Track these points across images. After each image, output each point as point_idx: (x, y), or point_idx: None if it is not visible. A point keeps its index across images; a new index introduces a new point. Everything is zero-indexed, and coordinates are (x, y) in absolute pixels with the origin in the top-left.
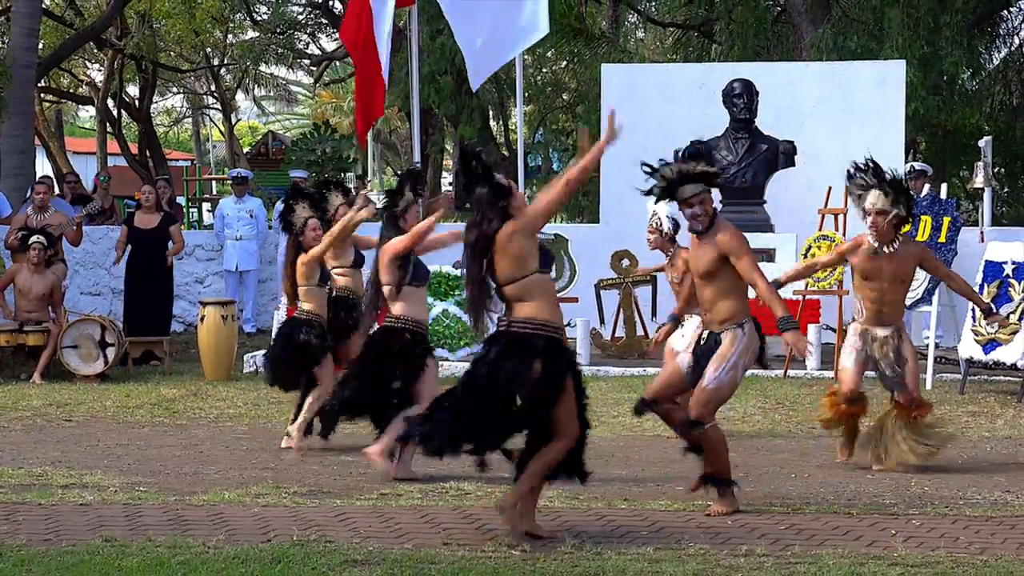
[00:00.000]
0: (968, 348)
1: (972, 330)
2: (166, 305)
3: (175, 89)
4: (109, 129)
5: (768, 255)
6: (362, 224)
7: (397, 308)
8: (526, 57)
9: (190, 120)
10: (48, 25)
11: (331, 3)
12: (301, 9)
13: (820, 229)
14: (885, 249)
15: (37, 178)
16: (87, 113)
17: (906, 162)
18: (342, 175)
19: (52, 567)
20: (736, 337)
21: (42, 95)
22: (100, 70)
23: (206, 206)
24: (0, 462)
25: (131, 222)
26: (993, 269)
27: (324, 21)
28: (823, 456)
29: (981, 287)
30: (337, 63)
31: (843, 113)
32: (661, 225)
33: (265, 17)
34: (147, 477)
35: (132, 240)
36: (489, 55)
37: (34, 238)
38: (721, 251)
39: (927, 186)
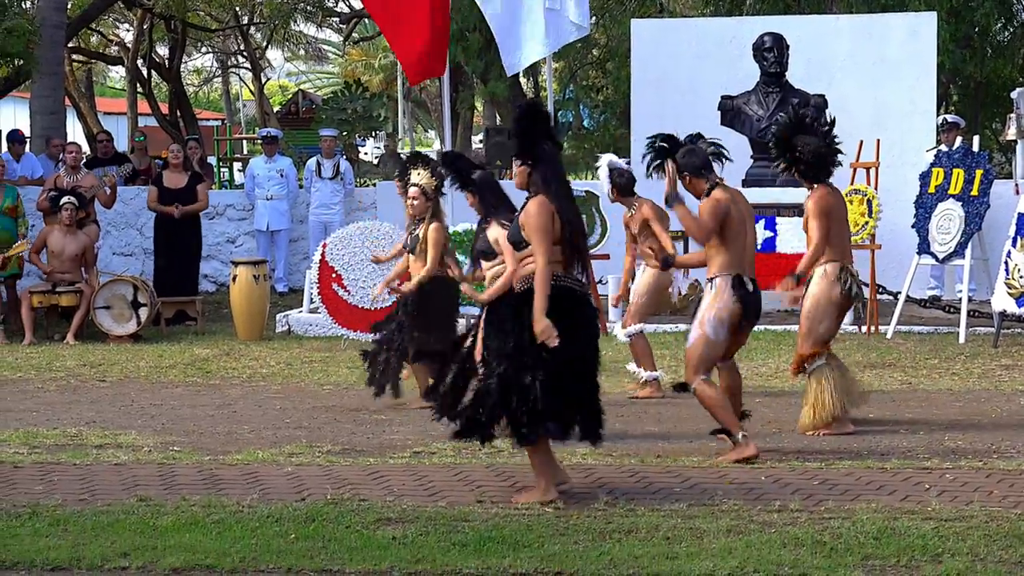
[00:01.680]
0: (1001, 301)
1: (1005, 283)
2: (194, 265)
3: (205, 48)
4: (139, 89)
5: (799, 210)
6: None
7: None
8: None
9: (220, 79)
10: None
11: None
12: None
13: (852, 183)
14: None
15: (68, 140)
16: (117, 73)
17: (938, 115)
18: (373, 133)
19: (88, 526)
20: (707, 293)
21: (72, 55)
22: (130, 30)
23: (237, 166)
24: (35, 422)
25: (159, 182)
26: None
27: None
28: (856, 411)
29: (1015, 239)
30: (366, 20)
31: (874, 66)
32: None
33: None
34: (181, 437)
35: (161, 200)
36: (528, 45)
37: (65, 199)
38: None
39: (959, 139)
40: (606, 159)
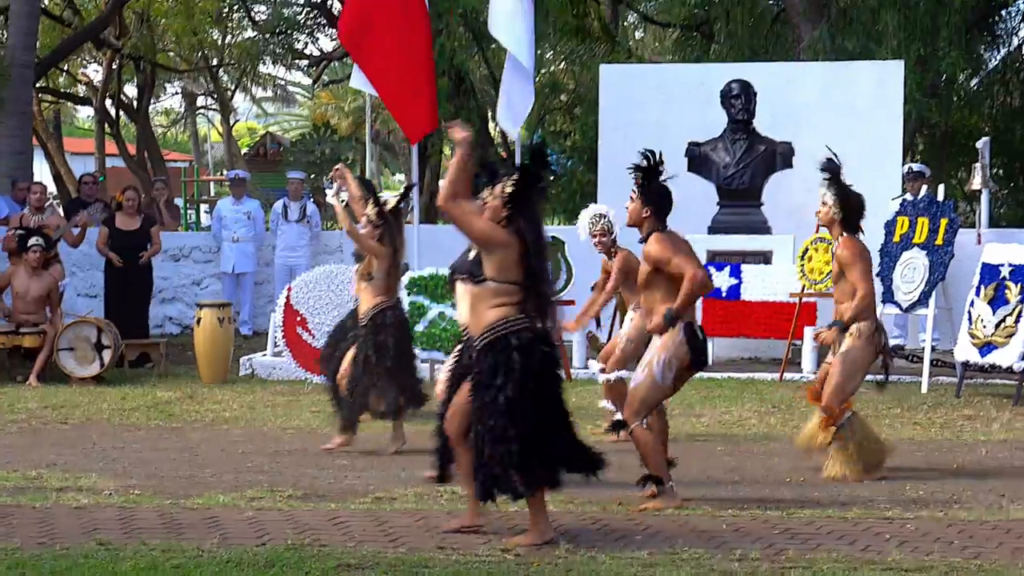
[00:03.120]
0: (964, 351)
1: (969, 333)
2: (145, 307)
3: (173, 90)
4: (107, 129)
5: (765, 257)
6: None
7: None
8: None
9: (188, 121)
10: (46, 24)
11: (330, 3)
12: (300, 9)
13: (817, 231)
14: None
15: (34, 179)
16: (85, 113)
17: (904, 163)
18: None
19: (46, 570)
20: (655, 338)
21: (40, 95)
22: (98, 70)
23: (204, 207)
24: None
25: (111, 223)
26: (990, 271)
27: (323, 21)
28: (817, 460)
29: (978, 289)
30: (336, 63)
31: (841, 114)
32: (612, 227)
33: (264, 17)
34: (142, 480)
35: (113, 242)
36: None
37: (33, 240)
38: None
39: (925, 187)
40: (605, 208)
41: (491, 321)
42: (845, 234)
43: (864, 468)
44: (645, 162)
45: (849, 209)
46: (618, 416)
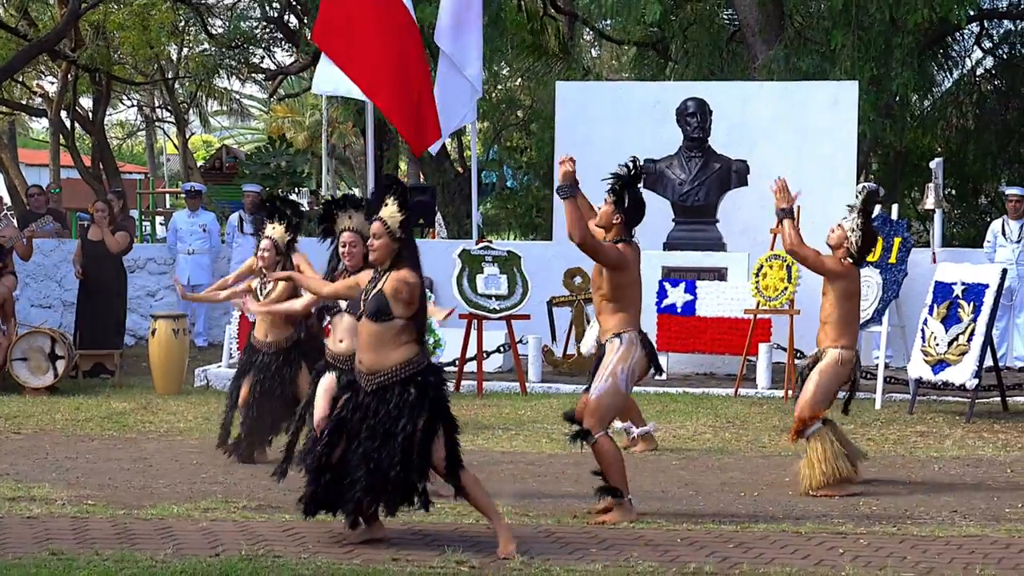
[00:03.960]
0: (917, 368)
1: (921, 350)
2: (119, 318)
3: (129, 102)
4: (62, 141)
5: (720, 274)
6: None
7: None
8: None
9: (144, 133)
10: (1, 36)
11: (287, 18)
12: (256, 23)
13: (772, 248)
14: None
15: None
16: (40, 125)
17: (858, 183)
18: (297, 189)
19: None
20: (614, 348)
21: None
22: (53, 82)
23: (159, 219)
24: None
25: (84, 236)
26: (943, 290)
27: (279, 36)
28: (772, 474)
29: (931, 307)
30: (292, 77)
31: (796, 133)
32: None
33: (220, 31)
34: (95, 490)
35: (85, 254)
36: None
37: None
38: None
39: (878, 207)
40: None
41: (399, 361)
42: (848, 260)
43: (837, 477)
44: (626, 171)
45: (865, 242)
46: (634, 429)
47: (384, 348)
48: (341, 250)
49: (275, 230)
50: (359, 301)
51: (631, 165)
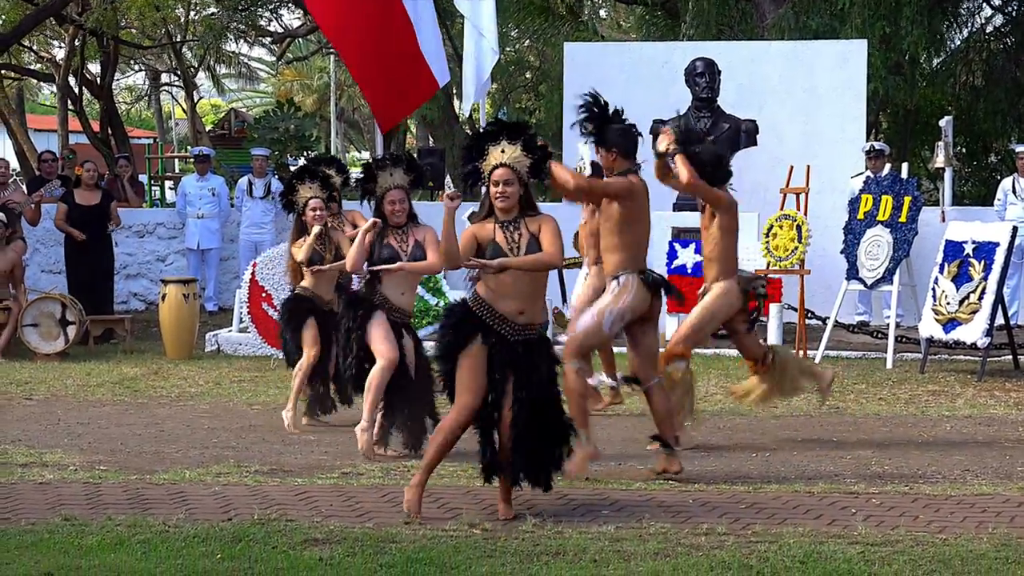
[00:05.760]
0: (928, 327)
1: (932, 309)
2: (107, 282)
3: (137, 66)
4: (71, 106)
5: None
6: None
7: None
8: None
9: (152, 98)
10: (9, 1)
11: None
12: None
13: (782, 208)
14: None
15: None
16: (48, 90)
17: (868, 141)
18: (305, 153)
19: (11, 546)
20: (610, 289)
21: (2, 72)
22: (61, 47)
23: (168, 184)
24: None
25: (70, 199)
26: (953, 248)
27: None
28: (784, 434)
29: (942, 266)
30: (300, 40)
31: (805, 92)
32: (585, 168)
33: None
34: (107, 456)
35: (73, 217)
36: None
37: None
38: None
39: (888, 166)
40: (588, 148)
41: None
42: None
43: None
44: (592, 110)
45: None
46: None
47: (540, 299)
48: (389, 208)
49: (310, 190)
50: (496, 254)
51: (592, 102)
